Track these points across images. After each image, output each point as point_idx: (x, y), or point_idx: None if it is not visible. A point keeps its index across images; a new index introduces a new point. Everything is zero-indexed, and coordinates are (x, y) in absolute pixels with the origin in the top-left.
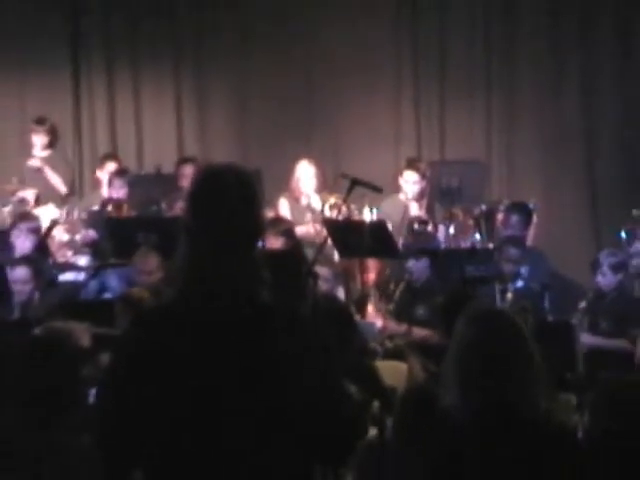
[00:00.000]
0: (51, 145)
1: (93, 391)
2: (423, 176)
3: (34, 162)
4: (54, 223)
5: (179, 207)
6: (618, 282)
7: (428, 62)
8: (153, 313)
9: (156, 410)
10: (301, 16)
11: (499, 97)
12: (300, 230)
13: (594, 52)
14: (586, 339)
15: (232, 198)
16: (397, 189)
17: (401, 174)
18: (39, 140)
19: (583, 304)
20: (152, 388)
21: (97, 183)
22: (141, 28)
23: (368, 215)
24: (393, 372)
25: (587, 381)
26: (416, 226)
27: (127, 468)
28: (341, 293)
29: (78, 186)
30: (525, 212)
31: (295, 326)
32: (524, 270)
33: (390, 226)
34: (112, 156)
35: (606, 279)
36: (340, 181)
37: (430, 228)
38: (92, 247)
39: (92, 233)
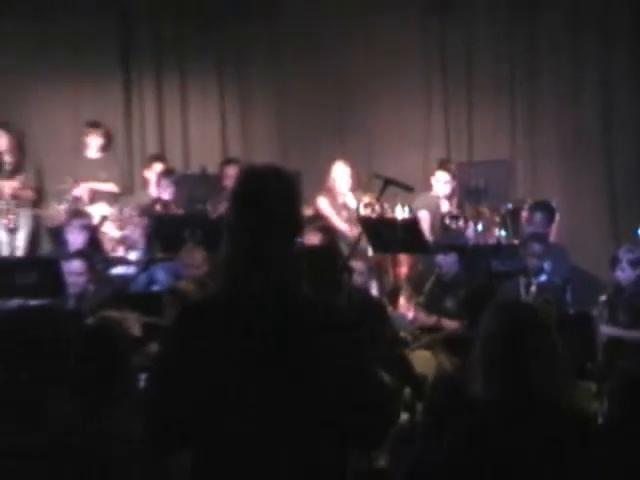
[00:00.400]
0: (104, 147)
1: (143, 377)
2: (453, 176)
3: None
4: (104, 219)
5: (223, 206)
6: (636, 277)
7: (456, 70)
8: (199, 305)
9: (201, 395)
10: (334, 28)
11: (522, 103)
12: (336, 226)
13: (612, 61)
14: (605, 330)
15: (273, 197)
16: (428, 188)
17: (433, 174)
18: (93, 142)
19: (603, 297)
20: (198, 375)
21: (146, 183)
22: (188, 38)
23: (400, 212)
24: (423, 361)
25: (606, 370)
26: (447, 221)
27: (171, 449)
28: (374, 286)
29: (128, 184)
30: (548, 210)
31: (332, 318)
32: (547, 265)
33: (424, 221)
34: (160, 157)
35: (625, 274)
36: (374, 181)
37: (461, 223)
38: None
39: (141, 230)
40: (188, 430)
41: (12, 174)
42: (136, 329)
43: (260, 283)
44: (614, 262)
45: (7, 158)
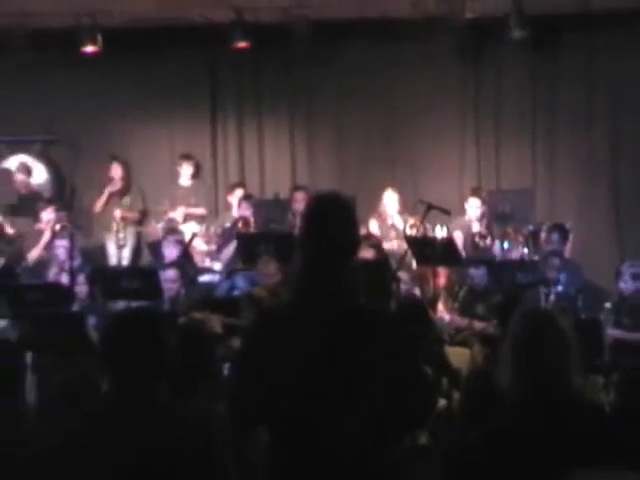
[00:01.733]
0: (195, 176)
1: (226, 366)
2: (483, 202)
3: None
4: (194, 236)
5: (291, 225)
6: (636, 287)
7: (486, 110)
8: (272, 311)
9: (274, 382)
10: (384, 75)
11: (542, 139)
12: (386, 244)
13: (621, 103)
14: (611, 332)
15: (336, 220)
16: (462, 212)
17: (466, 200)
18: (185, 171)
19: (609, 305)
20: (271, 367)
21: (228, 206)
22: (264, 84)
23: (439, 232)
24: (458, 356)
25: (612, 366)
26: (477, 239)
27: (250, 425)
28: (417, 293)
29: (214, 208)
30: (563, 231)
31: (384, 321)
32: (562, 277)
33: (458, 240)
34: (240, 184)
35: (627, 285)
36: (418, 205)
37: (489, 241)
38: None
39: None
40: (263, 412)
41: (121, 197)
42: (218, 327)
43: (325, 293)
44: (618, 275)
45: (117, 185)
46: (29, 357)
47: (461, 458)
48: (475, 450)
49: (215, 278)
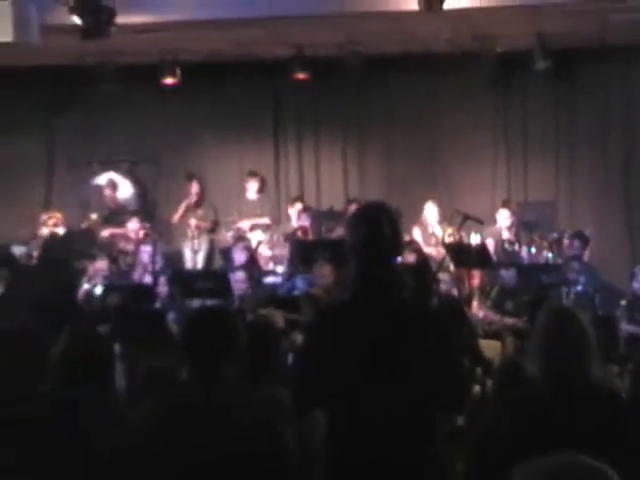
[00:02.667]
0: (260, 190)
1: (289, 356)
2: (512, 212)
3: (249, 204)
4: (259, 243)
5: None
6: None
7: (515, 131)
8: (330, 309)
9: (331, 371)
10: (425, 100)
11: (564, 157)
12: (427, 250)
13: (633, 126)
14: (625, 327)
15: (383, 228)
16: (494, 221)
17: (497, 211)
18: (252, 187)
19: (623, 302)
20: (329, 357)
21: (289, 217)
22: (320, 109)
23: (474, 239)
24: (490, 348)
25: (626, 357)
26: (507, 245)
27: (310, 408)
28: (455, 293)
29: (277, 218)
30: (583, 238)
31: (426, 316)
32: (582, 279)
33: (490, 246)
34: (300, 198)
35: None
36: (455, 216)
37: (517, 247)
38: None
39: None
40: (322, 397)
41: (196, 209)
42: (281, 322)
43: (376, 292)
44: (632, 276)
45: (193, 199)
46: (117, 348)
47: (493, 440)
48: (505, 433)
49: (278, 280)
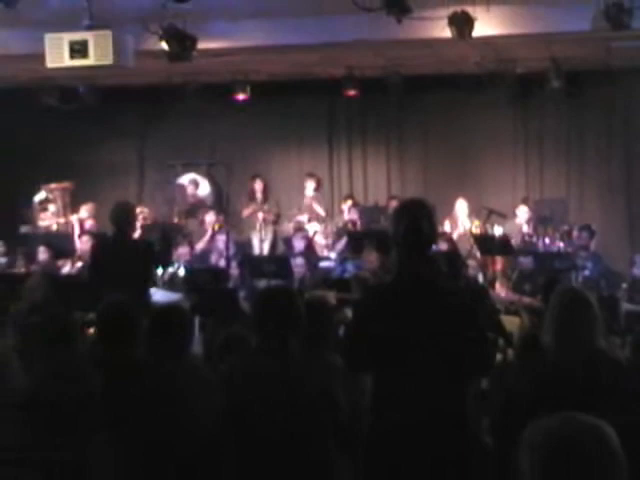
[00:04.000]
0: (316, 189)
1: (341, 329)
2: (530, 208)
3: (307, 200)
4: (315, 233)
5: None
6: None
7: (533, 143)
8: (376, 289)
9: (377, 340)
10: (457, 113)
11: (574, 162)
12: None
13: (634, 136)
14: (625, 306)
15: (421, 222)
16: (514, 216)
17: (518, 207)
18: (310, 186)
19: (624, 285)
20: (375, 329)
21: (341, 211)
22: (368, 121)
23: (497, 231)
24: (511, 323)
25: (626, 330)
26: (526, 237)
27: (360, 370)
28: (481, 276)
29: (330, 212)
30: (590, 231)
31: (457, 296)
32: (589, 265)
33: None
34: (350, 195)
35: (638, 271)
36: (481, 211)
37: (534, 238)
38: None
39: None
40: (369, 362)
41: (261, 204)
42: (333, 300)
43: (415, 277)
44: (631, 263)
45: (259, 195)
46: (197, 321)
47: (513, 400)
48: (524, 394)
49: (331, 264)
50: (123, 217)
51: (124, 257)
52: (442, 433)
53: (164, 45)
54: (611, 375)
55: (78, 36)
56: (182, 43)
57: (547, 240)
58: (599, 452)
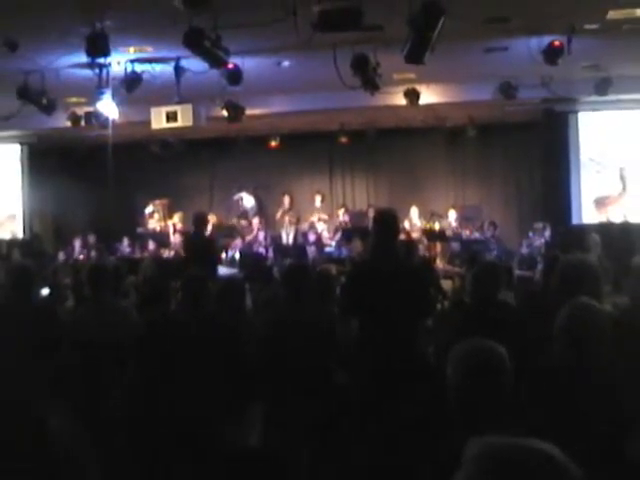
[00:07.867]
0: (322, 201)
1: (338, 290)
2: (457, 211)
3: (316, 209)
4: (322, 230)
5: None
6: (528, 252)
7: (458, 171)
8: (360, 264)
9: (360, 298)
10: (410, 152)
11: (485, 184)
12: (412, 234)
13: (521, 170)
14: (517, 272)
15: (390, 221)
16: (447, 217)
17: (449, 211)
18: (318, 199)
19: (516, 259)
20: (359, 290)
21: (338, 215)
22: (354, 160)
23: (437, 226)
24: (446, 285)
25: (517, 287)
26: (455, 230)
27: (349, 315)
28: (427, 256)
29: (331, 216)
30: (494, 225)
31: (413, 268)
32: (495, 247)
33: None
34: (343, 205)
35: (524, 250)
36: (427, 214)
37: (460, 231)
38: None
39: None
40: (355, 311)
41: (288, 211)
42: (334, 272)
43: (386, 257)
44: (520, 245)
45: (287, 206)
46: (247, 286)
47: (447, 333)
48: (454, 330)
49: (333, 250)
50: (200, 222)
51: (201, 247)
52: (402, 352)
53: (224, 112)
54: (504, 312)
55: (171, 108)
56: (235, 111)
57: (468, 232)
58: None
